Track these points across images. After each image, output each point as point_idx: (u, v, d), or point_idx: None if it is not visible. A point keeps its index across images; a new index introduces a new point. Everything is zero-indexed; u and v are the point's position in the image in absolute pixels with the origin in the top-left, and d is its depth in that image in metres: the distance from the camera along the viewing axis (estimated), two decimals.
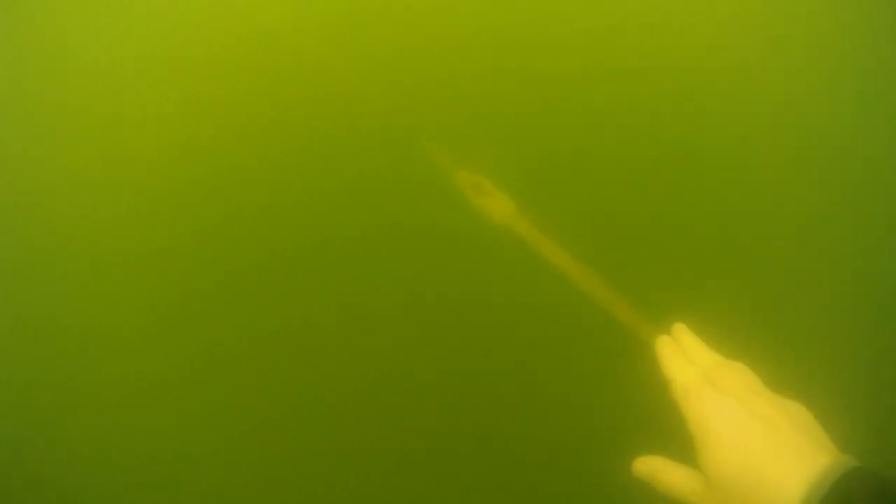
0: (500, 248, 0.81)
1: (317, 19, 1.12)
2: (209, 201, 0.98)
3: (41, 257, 0.95)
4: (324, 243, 0.95)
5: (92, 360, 0.89)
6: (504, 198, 0.79)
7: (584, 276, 0.61)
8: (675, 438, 0.41)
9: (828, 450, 0.36)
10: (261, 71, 1.07)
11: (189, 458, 0.82)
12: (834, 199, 0.98)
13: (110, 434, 0.84)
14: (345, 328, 0.89)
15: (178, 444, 0.83)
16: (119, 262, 0.94)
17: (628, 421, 0.69)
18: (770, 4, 1.14)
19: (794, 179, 0.99)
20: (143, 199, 0.98)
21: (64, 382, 0.87)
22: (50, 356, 0.89)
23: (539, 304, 0.88)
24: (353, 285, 0.92)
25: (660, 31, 1.11)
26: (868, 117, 1.02)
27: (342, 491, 0.80)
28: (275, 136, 1.02)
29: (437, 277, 0.92)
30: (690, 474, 0.40)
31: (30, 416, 0.86)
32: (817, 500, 0.33)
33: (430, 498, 0.80)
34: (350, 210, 0.97)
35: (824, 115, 1.03)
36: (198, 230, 0.96)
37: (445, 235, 0.93)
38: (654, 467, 0.42)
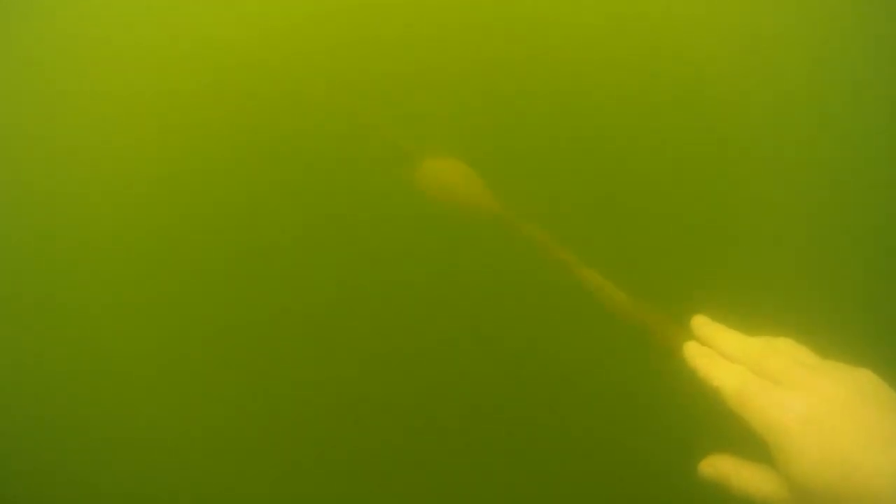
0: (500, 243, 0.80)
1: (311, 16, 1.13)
2: (206, 196, 0.98)
3: (37, 254, 0.95)
4: (320, 238, 0.93)
5: (91, 356, 0.87)
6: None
7: (595, 282, 0.57)
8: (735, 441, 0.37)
9: None
10: (258, 69, 1.06)
11: (183, 455, 0.80)
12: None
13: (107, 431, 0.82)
14: (347, 321, 0.87)
15: (172, 443, 0.81)
16: (119, 257, 0.93)
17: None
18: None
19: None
20: (141, 194, 0.98)
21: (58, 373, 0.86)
22: (45, 351, 0.88)
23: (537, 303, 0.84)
24: (353, 277, 0.90)
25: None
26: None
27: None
28: (271, 132, 1.02)
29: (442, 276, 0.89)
30: (767, 475, 0.36)
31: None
32: None
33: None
34: (345, 202, 0.95)
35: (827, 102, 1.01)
36: (193, 225, 0.96)
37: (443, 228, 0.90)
38: (724, 469, 0.38)
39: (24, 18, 1.14)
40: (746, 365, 0.38)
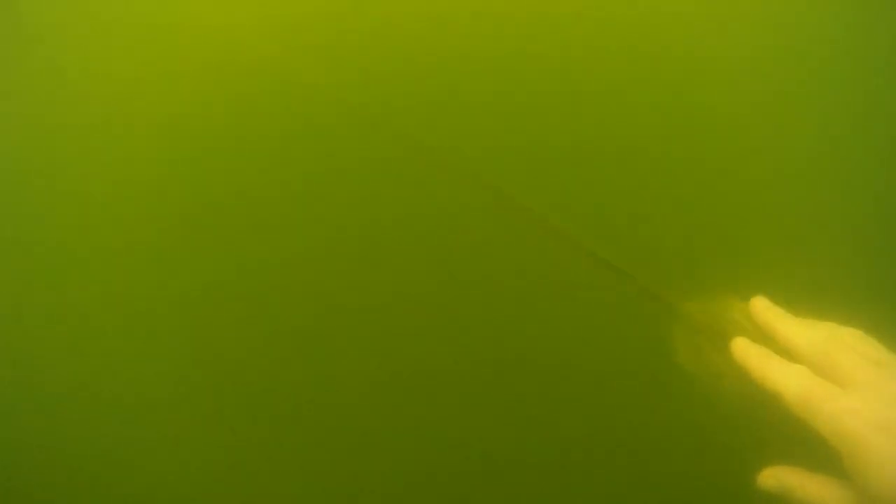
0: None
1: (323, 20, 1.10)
2: (208, 194, 0.95)
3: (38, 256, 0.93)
4: (328, 242, 0.90)
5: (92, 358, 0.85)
6: None
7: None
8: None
9: None
10: (262, 74, 1.03)
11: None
12: None
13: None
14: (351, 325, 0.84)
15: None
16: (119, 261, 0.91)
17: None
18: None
19: None
20: (139, 191, 0.96)
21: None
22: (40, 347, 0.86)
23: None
24: (362, 275, 0.87)
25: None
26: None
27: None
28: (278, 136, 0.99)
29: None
30: (836, 488, 0.32)
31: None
32: None
33: None
34: (351, 206, 0.92)
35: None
36: (196, 224, 0.93)
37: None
38: (788, 482, 0.35)
39: (23, 13, 1.13)
40: (809, 362, 0.35)
